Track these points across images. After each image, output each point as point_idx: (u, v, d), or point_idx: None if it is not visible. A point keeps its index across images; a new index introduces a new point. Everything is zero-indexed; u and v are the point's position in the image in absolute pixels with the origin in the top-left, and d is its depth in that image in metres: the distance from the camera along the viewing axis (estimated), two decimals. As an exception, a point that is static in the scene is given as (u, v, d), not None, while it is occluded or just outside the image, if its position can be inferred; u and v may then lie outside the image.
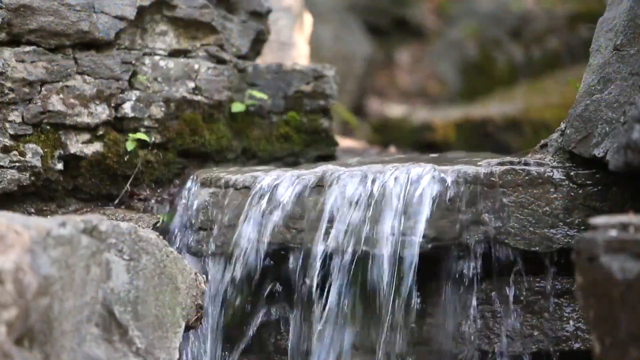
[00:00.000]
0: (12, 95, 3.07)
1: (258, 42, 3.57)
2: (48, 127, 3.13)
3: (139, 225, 2.65)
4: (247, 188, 3.00)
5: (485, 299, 2.87)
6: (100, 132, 3.21)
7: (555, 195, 2.85)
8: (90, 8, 3.16)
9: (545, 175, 2.86)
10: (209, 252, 3.01)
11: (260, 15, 3.54)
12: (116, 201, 3.24)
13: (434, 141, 6.38)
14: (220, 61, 3.42)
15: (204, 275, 2.77)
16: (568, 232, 2.83)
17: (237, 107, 3.44)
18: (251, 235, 2.93)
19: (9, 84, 3.07)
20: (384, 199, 2.86)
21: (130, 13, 3.23)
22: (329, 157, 3.52)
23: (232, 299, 2.97)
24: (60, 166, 3.15)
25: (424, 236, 2.82)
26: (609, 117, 2.84)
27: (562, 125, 3.02)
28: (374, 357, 2.87)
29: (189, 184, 3.16)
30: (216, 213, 3.02)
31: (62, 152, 3.15)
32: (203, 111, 3.36)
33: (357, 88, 7.37)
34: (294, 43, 4.70)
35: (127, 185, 3.24)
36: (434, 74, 8.07)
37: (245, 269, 2.94)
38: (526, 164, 2.92)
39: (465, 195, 2.84)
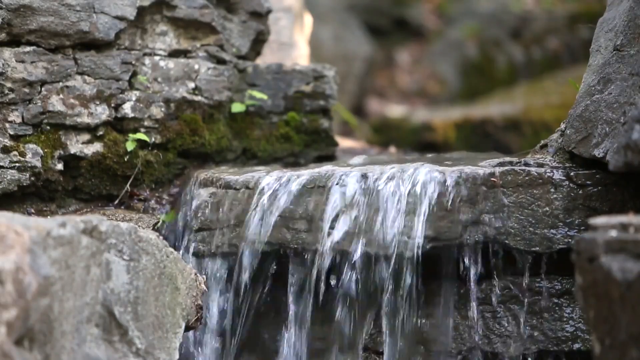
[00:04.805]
0: (12, 95, 3.07)
1: (258, 42, 3.57)
2: (48, 127, 3.13)
3: (139, 226, 2.65)
4: (247, 188, 3.00)
5: (485, 299, 2.87)
6: (100, 133, 3.21)
7: (555, 196, 2.85)
8: (90, 8, 3.16)
9: (546, 175, 2.86)
10: (209, 253, 3.01)
11: (260, 16, 3.54)
12: (116, 201, 3.24)
13: (434, 141, 6.38)
14: (220, 61, 3.42)
15: (204, 276, 2.77)
16: (568, 233, 2.83)
17: (237, 108, 3.44)
18: (251, 236, 2.93)
19: (9, 84, 3.07)
20: (384, 199, 2.85)
21: (130, 13, 3.23)
22: (329, 158, 3.52)
23: (232, 299, 2.96)
24: (60, 166, 3.15)
25: (424, 236, 2.82)
26: (609, 118, 2.84)
27: (562, 126, 3.02)
28: (374, 356, 2.87)
29: (189, 184, 3.15)
30: (216, 214, 3.02)
31: (62, 152, 3.15)
32: (203, 111, 3.36)
33: (357, 88, 7.37)
34: (294, 43, 4.70)
35: (127, 185, 3.24)
36: (434, 74, 8.07)
37: (245, 269, 2.94)
38: (526, 164, 2.92)
39: (465, 196, 2.84)
